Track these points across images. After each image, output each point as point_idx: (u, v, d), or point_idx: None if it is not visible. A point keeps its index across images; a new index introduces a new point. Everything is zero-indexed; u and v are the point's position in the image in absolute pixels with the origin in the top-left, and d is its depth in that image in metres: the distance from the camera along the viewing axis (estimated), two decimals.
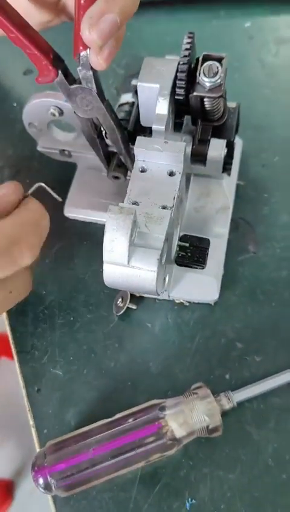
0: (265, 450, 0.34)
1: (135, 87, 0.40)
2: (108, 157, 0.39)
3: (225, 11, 0.54)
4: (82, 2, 0.26)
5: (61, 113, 0.37)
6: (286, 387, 0.35)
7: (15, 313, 0.40)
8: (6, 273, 0.30)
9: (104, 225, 0.27)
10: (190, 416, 0.32)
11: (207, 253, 0.38)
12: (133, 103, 0.40)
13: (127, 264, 0.29)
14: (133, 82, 0.40)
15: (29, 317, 0.39)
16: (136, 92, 0.40)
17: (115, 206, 0.28)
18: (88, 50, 0.28)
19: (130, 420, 0.32)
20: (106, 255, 0.28)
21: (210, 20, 0.54)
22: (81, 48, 0.28)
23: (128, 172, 0.40)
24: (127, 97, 0.41)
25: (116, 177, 0.40)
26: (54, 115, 0.38)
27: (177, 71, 0.33)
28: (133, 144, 0.38)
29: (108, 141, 0.37)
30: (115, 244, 0.28)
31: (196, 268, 0.38)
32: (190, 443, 0.33)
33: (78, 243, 0.42)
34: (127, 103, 0.41)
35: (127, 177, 0.40)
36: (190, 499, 0.33)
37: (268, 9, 0.54)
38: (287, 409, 0.35)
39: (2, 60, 0.54)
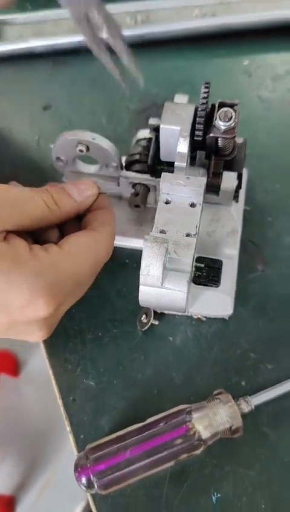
0: (281, 448, 0.38)
1: (152, 125, 0.45)
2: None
3: (225, 50, 0.59)
4: None
5: (87, 149, 0.42)
6: None
7: None
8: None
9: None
10: (214, 419, 0.36)
11: (221, 273, 0.42)
12: (150, 139, 0.45)
13: (161, 285, 0.33)
14: (150, 121, 0.45)
15: (61, 333, 0.43)
16: (153, 130, 0.45)
17: (151, 236, 0.32)
18: None
19: (161, 424, 0.36)
20: (142, 278, 0.33)
21: (212, 58, 0.59)
22: None
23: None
24: (144, 133, 0.46)
25: (137, 206, 0.45)
26: (81, 151, 0.42)
27: (196, 116, 0.38)
28: (153, 175, 0.43)
29: (133, 174, 0.42)
30: (150, 269, 0.32)
31: (211, 286, 0.42)
32: (213, 444, 0.37)
33: None
34: (144, 138, 0.46)
35: (147, 205, 0.45)
36: (215, 493, 0.37)
37: (265, 48, 0.59)
38: None
39: (23, 96, 0.58)
